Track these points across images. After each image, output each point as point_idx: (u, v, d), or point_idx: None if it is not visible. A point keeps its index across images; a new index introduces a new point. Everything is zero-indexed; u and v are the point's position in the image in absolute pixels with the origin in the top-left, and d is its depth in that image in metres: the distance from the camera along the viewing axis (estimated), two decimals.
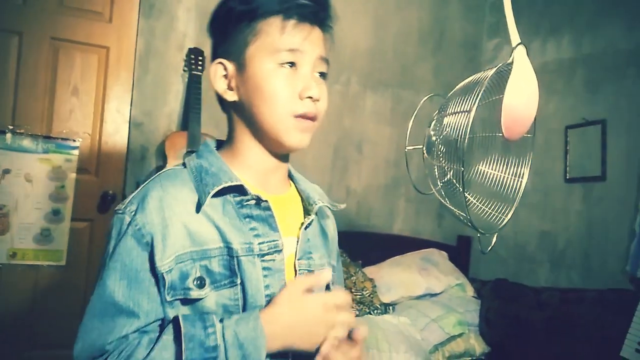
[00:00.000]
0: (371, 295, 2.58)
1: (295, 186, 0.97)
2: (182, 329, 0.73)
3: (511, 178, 0.99)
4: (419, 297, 2.71)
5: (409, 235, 3.28)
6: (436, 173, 0.95)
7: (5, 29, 2.31)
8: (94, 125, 2.47)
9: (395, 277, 2.73)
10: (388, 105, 3.24)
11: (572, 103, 2.85)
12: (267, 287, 0.82)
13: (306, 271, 0.87)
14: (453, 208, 0.92)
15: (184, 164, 0.88)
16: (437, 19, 3.40)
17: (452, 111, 0.85)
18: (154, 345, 0.74)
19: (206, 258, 0.80)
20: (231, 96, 0.87)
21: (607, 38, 2.72)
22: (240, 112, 0.88)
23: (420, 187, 1.08)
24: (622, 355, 2.00)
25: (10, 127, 2.31)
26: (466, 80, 0.89)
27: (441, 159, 0.92)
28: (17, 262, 2.31)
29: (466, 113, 0.80)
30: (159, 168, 2.41)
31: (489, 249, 0.92)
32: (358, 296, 2.53)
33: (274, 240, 0.84)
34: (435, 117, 0.94)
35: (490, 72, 0.83)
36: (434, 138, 0.93)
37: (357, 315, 2.41)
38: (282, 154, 0.90)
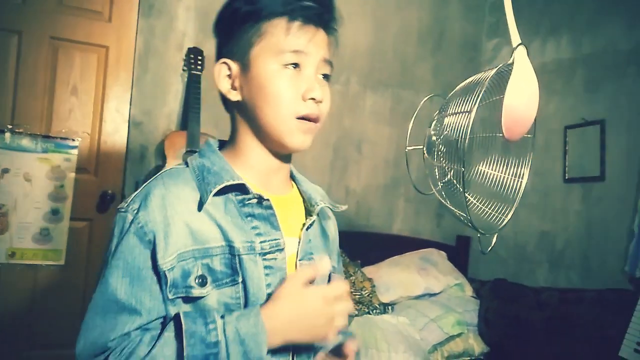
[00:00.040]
0: (370, 295, 2.58)
1: (297, 187, 0.97)
2: (183, 325, 0.74)
3: (511, 178, 0.99)
4: (417, 297, 2.72)
5: (408, 235, 3.28)
6: (436, 173, 0.95)
7: (5, 28, 2.31)
8: (93, 124, 2.47)
9: (394, 277, 2.74)
10: (388, 105, 3.24)
11: (571, 103, 2.85)
12: (268, 285, 0.83)
13: (306, 262, 0.87)
14: (453, 208, 0.92)
15: (186, 163, 0.89)
16: (437, 19, 3.40)
17: (453, 111, 0.85)
18: (155, 342, 0.74)
19: (208, 256, 0.80)
20: (234, 96, 0.88)
21: (606, 38, 2.72)
22: (243, 112, 0.88)
23: (420, 187, 1.08)
24: (620, 355, 2.01)
25: (10, 127, 2.31)
26: (467, 81, 0.89)
27: (441, 159, 0.92)
28: (16, 262, 2.31)
29: (467, 113, 0.80)
30: (158, 168, 2.41)
31: (489, 249, 0.92)
32: (357, 296, 2.53)
33: (275, 239, 0.85)
34: (435, 118, 0.94)
35: (491, 73, 0.83)
36: (434, 138, 0.93)
37: (356, 315, 2.41)
38: (284, 155, 0.91)
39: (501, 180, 0.99)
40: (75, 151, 2.42)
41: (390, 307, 2.63)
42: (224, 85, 0.88)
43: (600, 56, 2.74)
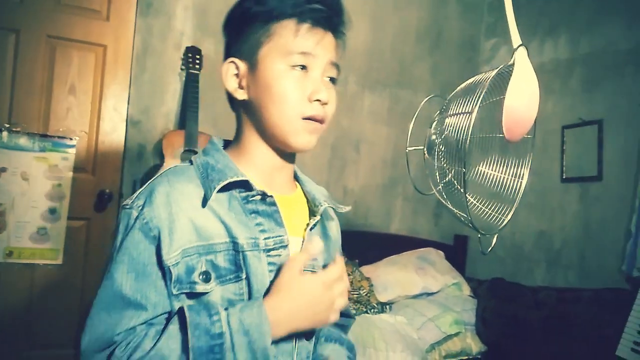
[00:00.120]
0: (368, 295, 2.59)
1: (301, 187, 0.98)
2: (188, 317, 0.74)
3: (511, 179, 0.99)
4: (415, 297, 2.72)
5: (406, 234, 3.29)
6: (437, 174, 0.96)
7: (2, 26, 2.30)
8: (91, 123, 2.46)
9: (392, 277, 2.74)
10: (386, 105, 3.24)
11: (569, 103, 2.86)
12: (272, 282, 0.83)
13: (310, 272, 0.87)
14: (454, 209, 0.92)
15: (190, 162, 0.89)
16: (435, 19, 3.41)
17: (454, 112, 0.85)
18: (160, 335, 0.75)
19: (212, 253, 0.81)
20: (241, 95, 0.88)
21: (604, 38, 2.73)
22: (249, 111, 0.89)
23: (420, 188, 1.08)
24: (618, 355, 2.01)
25: (7, 125, 2.30)
26: (467, 82, 0.89)
27: (442, 159, 0.92)
28: (13, 261, 2.30)
29: (468, 114, 0.80)
30: (156, 167, 2.40)
31: (489, 249, 0.93)
32: (355, 295, 2.53)
33: (279, 236, 0.85)
34: (436, 118, 0.94)
35: (492, 74, 0.83)
36: (434, 137, 0.94)
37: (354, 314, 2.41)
38: (288, 154, 0.92)
39: (501, 180, 0.99)
40: (72, 150, 2.41)
41: (388, 307, 2.63)
42: (231, 84, 0.89)
43: (599, 56, 2.75)
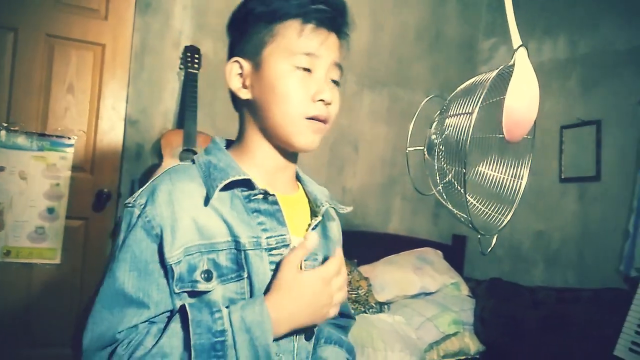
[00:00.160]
0: (366, 294, 2.59)
1: (303, 187, 0.98)
2: (189, 315, 0.74)
3: (510, 179, 0.99)
4: (414, 296, 2.72)
5: (404, 234, 3.29)
6: (437, 174, 0.96)
7: (1, 25, 2.29)
8: (89, 122, 2.46)
9: (390, 276, 2.74)
10: (385, 104, 3.24)
11: (567, 103, 2.86)
12: (271, 279, 0.83)
13: (310, 265, 0.88)
14: (454, 209, 0.92)
15: (192, 161, 0.90)
16: (434, 19, 3.41)
17: (454, 113, 0.85)
18: (162, 333, 0.75)
19: (214, 251, 0.81)
20: (245, 94, 0.89)
21: (603, 38, 2.74)
22: (252, 110, 0.89)
23: (419, 188, 1.08)
24: (616, 354, 2.02)
25: (5, 125, 2.29)
26: (468, 82, 0.89)
27: (442, 160, 0.92)
28: (11, 260, 2.30)
29: (468, 115, 0.80)
30: (155, 166, 2.40)
31: (489, 250, 0.93)
32: (353, 295, 2.53)
33: (281, 235, 0.85)
34: (436, 119, 0.94)
35: (492, 74, 0.83)
36: (434, 137, 0.94)
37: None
38: (291, 154, 0.92)
39: (501, 181, 0.99)
40: (71, 149, 2.40)
41: (386, 306, 2.64)
42: (235, 84, 0.89)
43: (597, 56, 2.76)
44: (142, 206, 0.81)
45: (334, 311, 0.85)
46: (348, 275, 2.59)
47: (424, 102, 1.01)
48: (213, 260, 0.80)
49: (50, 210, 2.37)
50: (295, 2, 0.84)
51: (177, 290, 0.79)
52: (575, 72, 2.86)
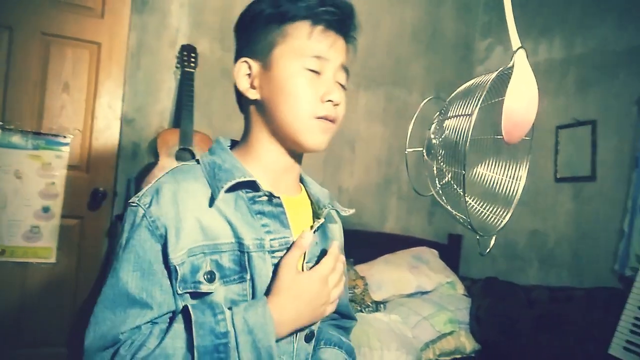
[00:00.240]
0: (362, 293, 2.59)
1: (306, 189, 0.98)
2: (192, 316, 0.74)
3: (508, 180, 1.00)
4: (410, 295, 2.73)
5: (400, 233, 3.29)
6: (435, 175, 0.96)
7: None
8: (85, 121, 2.44)
9: (386, 275, 2.75)
10: (381, 104, 3.25)
11: (563, 103, 2.88)
12: (271, 281, 0.83)
13: (313, 260, 0.89)
14: (452, 210, 0.93)
15: (197, 160, 0.90)
16: (430, 18, 3.41)
17: (453, 114, 0.85)
18: (165, 334, 0.75)
19: (217, 253, 0.81)
20: (253, 95, 0.89)
21: (598, 39, 2.75)
22: (261, 111, 0.89)
23: (417, 189, 1.09)
24: (610, 353, 2.03)
25: (0, 123, 2.28)
26: (467, 84, 0.89)
27: (440, 161, 0.93)
28: (5, 260, 2.29)
29: (467, 117, 0.81)
30: (151, 165, 2.40)
31: (488, 251, 0.93)
32: (350, 294, 2.54)
33: (284, 237, 0.86)
34: (435, 120, 0.94)
35: (492, 76, 0.84)
36: (433, 139, 0.94)
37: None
38: (297, 155, 0.92)
39: (499, 182, 0.99)
40: (66, 148, 2.39)
41: (382, 305, 2.64)
42: (243, 84, 0.89)
43: (592, 57, 2.77)
44: (147, 206, 0.81)
45: (331, 308, 0.86)
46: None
47: (423, 103, 1.01)
48: (216, 262, 0.80)
49: (46, 209, 2.36)
50: (303, 4, 0.84)
51: (180, 292, 0.79)
52: (571, 72, 2.88)
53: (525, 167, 0.98)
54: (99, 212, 2.46)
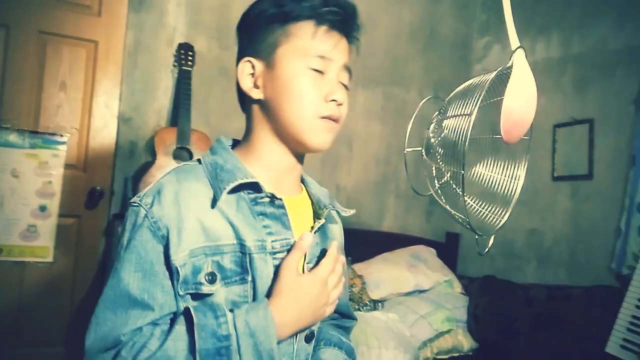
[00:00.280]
0: (360, 292, 2.59)
1: (306, 189, 0.98)
2: (194, 318, 0.74)
3: (507, 180, 1.00)
4: (407, 294, 2.73)
5: (398, 232, 3.30)
6: (434, 174, 0.96)
7: None
8: (82, 120, 2.44)
9: (384, 274, 2.75)
10: (379, 102, 3.24)
11: (560, 102, 2.88)
12: (272, 283, 0.83)
13: (314, 260, 0.89)
14: (451, 210, 0.93)
15: (198, 160, 0.89)
16: (428, 17, 3.41)
17: (452, 114, 0.85)
18: (166, 336, 0.75)
19: (219, 254, 0.80)
20: (257, 94, 0.88)
21: (596, 37, 2.75)
22: (264, 110, 0.89)
23: (415, 188, 1.09)
24: (607, 351, 2.04)
25: None
26: (466, 83, 0.89)
27: (439, 161, 0.93)
28: (3, 259, 2.28)
29: (467, 116, 0.81)
30: (148, 164, 2.39)
31: (486, 250, 0.93)
32: (347, 293, 2.54)
33: (286, 239, 0.85)
34: (434, 120, 0.94)
35: (491, 76, 0.84)
36: (433, 140, 0.94)
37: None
38: (299, 155, 0.92)
39: (497, 181, 0.99)
40: (63, 147, 2.39)
41: (380, 304, 2.64)
42: (247, 83, 0.89)
43: (590, 56, 2.77)
44: (149, 206, 0.80)
45: (330, 309, 0.86)
46: None
47: (422, 103, 1.01)
48: (217, 263, 0.80)
49: (43, 208, 2.35)
50: (307, 4, 0.84)
51: (181, 293, 0.79)
52: (569, 71, 2.88)
53: (524, 166, 0.98)
54: (96, 211, 2.45)
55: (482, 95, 0.78)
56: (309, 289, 0.82)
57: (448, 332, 2.48)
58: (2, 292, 2.30)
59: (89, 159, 2.45)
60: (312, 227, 0.91)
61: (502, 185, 1.01)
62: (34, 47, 2.33)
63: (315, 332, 0.92)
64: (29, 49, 2.32)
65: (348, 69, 0.90)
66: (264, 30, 0.87)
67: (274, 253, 0.83)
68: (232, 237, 0.81)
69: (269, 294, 0.81)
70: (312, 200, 0.96)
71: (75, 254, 2.43)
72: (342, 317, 1.09)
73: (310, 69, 0.85)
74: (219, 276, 0.80)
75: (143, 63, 2.57)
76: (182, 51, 2.52)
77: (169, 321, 0.79)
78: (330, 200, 0.98)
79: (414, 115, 0.99)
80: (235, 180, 0.82)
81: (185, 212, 0.80)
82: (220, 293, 0.80)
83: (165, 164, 2.31)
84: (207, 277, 0.79)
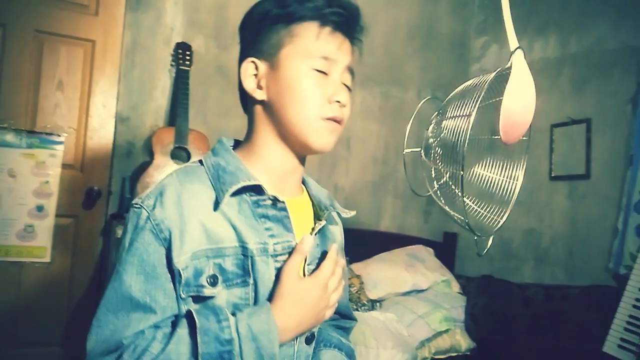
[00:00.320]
0: (358, 292, 2.59)
1: (307, 190, 0.98)
2: (197, 322, 0.74)
3: (506, 180, 1.00)
4: (405, 294, 2.73)
5: (396, 232, 3.30)
6: (433, 175, 0.96)
7: None
8: (79, 120, 2.43)
9: (382, 274, 2.75)
10: (377, 102, 3.24)
11: (558, 102, 2.88)
12: (273, 287, 0.83)
13: (315, 264, 0.88)
14: (450, 211, 0.93)
15: (200, 161, 0.89)
16: (426, 16, 3.41)
17: (452, 115, 0.85)
18: (169, 340, 0.74)
19: (221, 256, 0.80)
20: (260, 95, 0.88)
21: (593, 37, 2.76)
22: (267, 111, 0.89)
23: (413, 188, 1.09)
24: (604, 351, 2.04)
25: None
26: (465, 84, 0.89)
27: (438, 161, 0.93)
28: (0, 259, 2.27)
29: (466, 117, 0.81)
30: (146, 164, 2.38)
31: (485, 251, 0.93)
32: None
33: (288, 241, 0.85)
34: (433, 121, 0.94)
35: (490, 77, 0.84)
36: (431, 140, 0.94)
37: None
38: (302, 156, 0.92)
39: (496, 182, 1.00)
40: (60, 147, 2.38)
41: (378, 304, 2.64)
42: (250, 84, 0.88)
43: (587, 56, 2.78)
44: (151, 208, 0.80)
45: (330, 312, 0.86)
46: None
47: (421, 103, 1.01)
48: (219, 265, 0.80)
49: (40, 208, 2.34)
50: (311, 5, 0.84)
51: (183, 296, 0.78)
52: (566, 71, 2.88)
53: (522, 167, 0.98)
54: (93, 211, 2.44)
55: (481, 96, 0.78)
56: (310, 292, 0.82)
57: (446, 331, 2.48)
58: None
59: (87, 159, 2.44)
60: (313, 229, 0.91)
61: (500, 186, 1.01)
62: (31, 47, 2.32)
63: (315, 333, 0.91)
64: (26, 48, 2.31)
65: (351, 70, 0.90)
66: (268, 30, 0.86)
67: (276, 255, 0.83)
68: (234, 240, 0.81)
69: (270, 298, 0.81)
70: (312, 202, 0.96)
71: (72, 254, 2.42)
72: (342, 317, 1.09)
73: (314, 70, 0.84)
74: (220, 278, 0.79)
75: (140, 62, 2.57)
76: (180, 51, 2.52)
77: (171, 324, 0.79)
78: (330, 201, 0.98)
79: (413, 116, 0.99)
80: (237, 183, 0.82)
81: (187, 214, 0.79)
82: (222, 295, 0.79)
83: (162, 164, 2.31)
84: (208, 280, 0.79)
